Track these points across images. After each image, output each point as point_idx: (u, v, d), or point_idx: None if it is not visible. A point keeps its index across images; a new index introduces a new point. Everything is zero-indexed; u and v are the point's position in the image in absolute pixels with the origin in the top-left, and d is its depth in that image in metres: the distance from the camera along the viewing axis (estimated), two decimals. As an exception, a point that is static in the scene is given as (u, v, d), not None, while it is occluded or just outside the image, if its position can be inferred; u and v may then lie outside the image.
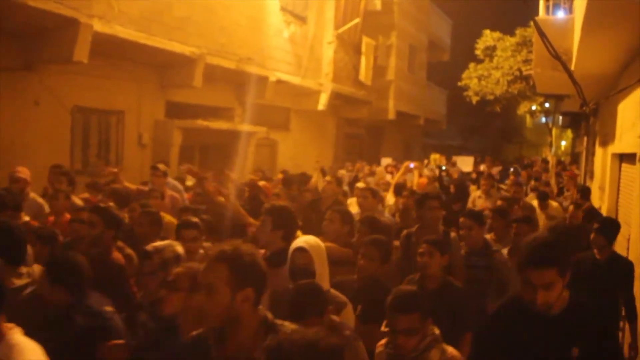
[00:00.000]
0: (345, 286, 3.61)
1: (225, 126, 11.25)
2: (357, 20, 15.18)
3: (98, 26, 7.53)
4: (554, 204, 8.18)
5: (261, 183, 7.55)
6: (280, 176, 9.53)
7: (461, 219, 4.75)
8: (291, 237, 3.65)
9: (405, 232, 5.05)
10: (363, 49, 15.76)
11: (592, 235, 4.78)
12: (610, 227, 4.87)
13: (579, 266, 4.25)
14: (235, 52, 10.59)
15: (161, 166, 7.00)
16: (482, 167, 15.74)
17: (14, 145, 7.44)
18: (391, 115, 18.51)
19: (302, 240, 3.32)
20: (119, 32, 7.93)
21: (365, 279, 3.76)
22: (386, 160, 15.50)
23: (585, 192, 8.40)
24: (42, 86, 8.13)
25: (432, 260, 3.78)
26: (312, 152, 15.23)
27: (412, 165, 9.48)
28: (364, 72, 15.88)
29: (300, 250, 3.22)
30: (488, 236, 5.48)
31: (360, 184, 8.79)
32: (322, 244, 3.37)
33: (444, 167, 12.48)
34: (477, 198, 8.80)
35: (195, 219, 4.33)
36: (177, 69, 9.85)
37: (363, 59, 15.80)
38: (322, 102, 14.18)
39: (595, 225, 4.80)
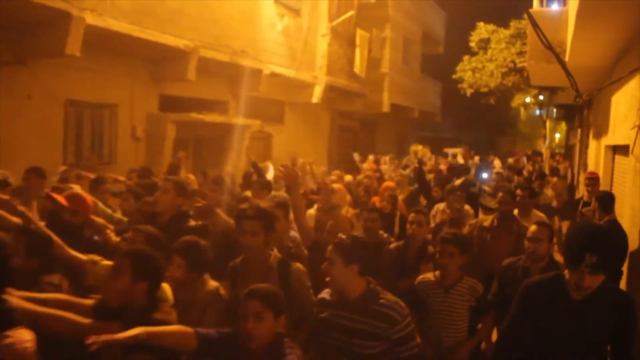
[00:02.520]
0: None
1: (220, 119, 11.21)
2: (351, 13, 15.14)
3: (90, 19, 7.48)
4: (538, 213, 6.33)
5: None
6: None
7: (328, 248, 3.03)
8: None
9: (230, 264, 3.44)
10: (357, 41, 15.71)
11: None
12: None
13: None
14: (228, 44, 10.55)
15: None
16: (477, 159, 15.71)
17: (6, 139, 7.36)
18: (385, 107, 18.49)
19: None
20: (112, 25, 7.88)
21: None
22: (356, 157, 14.76)
23: (606, 202, 6.09)
24: (35, 80, 8.07)
25: (261, 326, 2.49)
26: (307, 145, 15.22)
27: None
28: (359, 65, 15.84)
29: None
30: (429, 275, 3.80)
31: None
32: None
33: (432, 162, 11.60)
34: (439, 212, 6.65)
35: None
36: (170, 62, 9.79)
37: (357, 52, 15.75)
38: (317, 95, 14.16)
39: None
